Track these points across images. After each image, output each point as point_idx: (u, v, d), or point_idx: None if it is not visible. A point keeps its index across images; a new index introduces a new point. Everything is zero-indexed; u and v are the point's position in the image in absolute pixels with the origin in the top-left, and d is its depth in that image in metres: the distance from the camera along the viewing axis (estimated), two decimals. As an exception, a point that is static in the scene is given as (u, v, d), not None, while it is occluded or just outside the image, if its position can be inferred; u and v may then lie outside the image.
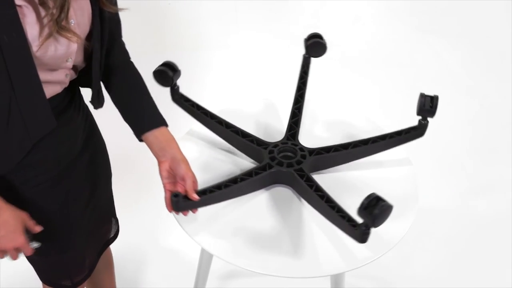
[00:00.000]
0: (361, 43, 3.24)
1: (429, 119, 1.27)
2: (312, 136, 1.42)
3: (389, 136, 1.28)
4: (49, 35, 0.92)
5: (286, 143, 1.31)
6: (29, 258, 1.26)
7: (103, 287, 1.60)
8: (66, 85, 1.09)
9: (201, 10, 3.40)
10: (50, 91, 1.03)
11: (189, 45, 3.16)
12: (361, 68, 3.00)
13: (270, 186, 1.26)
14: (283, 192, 1.25)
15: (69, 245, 1.23)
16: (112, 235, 1.41)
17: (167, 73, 1.23)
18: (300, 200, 1.24)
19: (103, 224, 1.36)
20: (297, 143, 1.31)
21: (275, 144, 1.30)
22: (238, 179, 1.19)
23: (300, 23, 3.42)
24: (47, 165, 1.10)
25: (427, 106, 1.23)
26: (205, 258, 1.56)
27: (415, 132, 1.28)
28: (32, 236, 1.09)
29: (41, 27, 0.91)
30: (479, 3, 3.57)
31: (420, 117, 1.27)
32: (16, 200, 1.08)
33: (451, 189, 2.35)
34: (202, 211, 1.20)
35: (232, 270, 2.00)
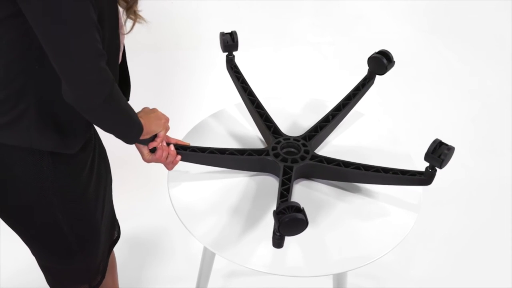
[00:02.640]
0: (362, 43, 3.23)
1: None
2: (328, 143, 1.41)
3: (393, 171, 1.18)
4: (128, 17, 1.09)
5: (289, 138, 1.31)
6: (48, 269, 1.28)
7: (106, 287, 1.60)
8: None
9: (203, 9, 3.40)
10: None
11: (190, 44, 3.16)
12: (362, 69, 2.98)
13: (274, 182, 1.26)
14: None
15: (95, 247, 1.26)
16: (115, 236, 1.43)
17: (226, 40, 1.42)
18: (304, 194, 1.24)
19: (111, 226, 1.38)
20: (306, 144, 1.30)
21: (278, 141, 1.30)
22: (227, 152, 1.25)
23: (301, 22, 3.42)
24: (78, 169, 1.12)
25: (437, 155, 1.10)
26: (207, 257, 1.56)
27: (420, 179, 1.15)
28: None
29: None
30: (480, 3, 3.57)
31: (427, 164, 1.14)
32: (48, 210, 1.11)
33: (451, 189, 2.34)
34: (207, 210, 1.20)
35: (234, 269, 1.99)
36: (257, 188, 1.27)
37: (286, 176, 1.20)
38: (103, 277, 1.35)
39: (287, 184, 1.17)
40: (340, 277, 1.43)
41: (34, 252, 1.25)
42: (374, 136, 1.44)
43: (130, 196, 2.20)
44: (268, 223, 1.17)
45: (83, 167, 1.13)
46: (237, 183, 1.28)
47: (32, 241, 1.22)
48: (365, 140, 1.43)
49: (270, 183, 1.28)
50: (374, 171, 1.19)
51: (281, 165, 1.23)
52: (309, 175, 1.29)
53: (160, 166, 1.27)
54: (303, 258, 1.12)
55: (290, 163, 1.24)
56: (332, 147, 1.40)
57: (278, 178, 1.21)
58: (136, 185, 2.29)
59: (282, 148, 1.29)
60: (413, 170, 1.18)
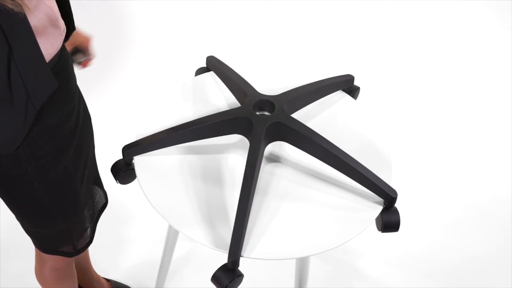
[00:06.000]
0: (361, 42, 3.20)
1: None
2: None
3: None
4: None
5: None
6: (32, 232, 1.30)
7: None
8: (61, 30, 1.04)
9: (202, 9, 3.36)
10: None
11: (187, 43, 3.11)
12: (362, 68, 2.98)
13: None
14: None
15: (75, 210, 1.27)
16: (103, 202, 1.44)
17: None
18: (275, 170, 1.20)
19: (96, 192, 1.39)
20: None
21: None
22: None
23: (302, 22, 3.40)
24: (52, 133, 1.08)
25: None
26: (172, 233, 1.55)
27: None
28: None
29: None
30: (480, 3, 3.51)
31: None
32: (24, 179, 1.09)
33: (451, 188, 2.35)
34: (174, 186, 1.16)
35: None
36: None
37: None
38: (91, 240, 1.39)
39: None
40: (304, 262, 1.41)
41: (17, 217, 1.27)
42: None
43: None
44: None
45: (57, 128, 1.09)
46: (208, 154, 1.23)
47: (13, 208, 1.23)
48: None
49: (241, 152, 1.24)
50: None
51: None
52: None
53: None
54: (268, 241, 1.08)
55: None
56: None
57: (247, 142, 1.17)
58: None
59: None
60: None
